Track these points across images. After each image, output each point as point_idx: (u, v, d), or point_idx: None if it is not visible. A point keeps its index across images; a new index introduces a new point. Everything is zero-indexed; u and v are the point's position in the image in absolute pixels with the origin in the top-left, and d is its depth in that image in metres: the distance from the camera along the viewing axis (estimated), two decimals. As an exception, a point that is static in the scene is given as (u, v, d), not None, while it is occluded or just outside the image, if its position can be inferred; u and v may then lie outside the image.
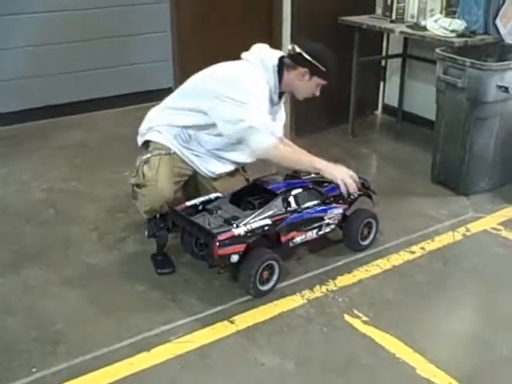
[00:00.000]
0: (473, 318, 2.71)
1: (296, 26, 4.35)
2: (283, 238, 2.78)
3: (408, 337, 2.45)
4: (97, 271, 2.92)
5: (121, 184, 3.77)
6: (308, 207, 2.86)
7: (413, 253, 3.07)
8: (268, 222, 2.70)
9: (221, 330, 2.50)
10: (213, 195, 2.94)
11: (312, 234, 2.90)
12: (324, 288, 2.78)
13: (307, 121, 4.57)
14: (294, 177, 3.07)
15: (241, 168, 3.18)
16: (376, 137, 4.76)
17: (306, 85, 3.02)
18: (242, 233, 2.61)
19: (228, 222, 2.68)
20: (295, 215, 2.80)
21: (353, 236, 3.04)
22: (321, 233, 2.94)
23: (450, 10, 3.95)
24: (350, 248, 3.07)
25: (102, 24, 4.90)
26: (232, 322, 2.54)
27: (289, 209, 2.80)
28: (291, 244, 2.84)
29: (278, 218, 2.74)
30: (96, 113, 5.01)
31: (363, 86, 4.61)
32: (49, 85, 4.83)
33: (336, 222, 2.99)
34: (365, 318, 2.57)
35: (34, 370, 2.28)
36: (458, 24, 3.79)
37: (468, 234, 3.26)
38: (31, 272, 2.90)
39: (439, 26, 3.83)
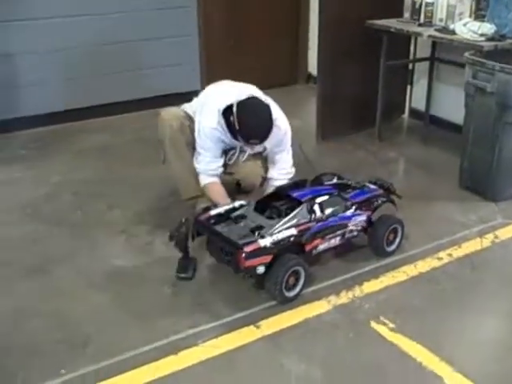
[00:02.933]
0: (501, 326, 2.68)
1: (324, 29, 4.33)
2: (307, 247, 2.78)
3: (435, 345, 2.43)
4: (124, 274, 2.95)
5: (147, 187, 3.80)
6: (332, 214, 2.86)
7: (440, 259, 3.05)
8: (294, 232, 2.70)
9: (247, 334, 2.51)
10: (237, 203, 2.95)
11: (335, 241, 2.89)
12: (350, 294, 2.77)
13: (333, 124, 4.56)
14: (317, 183, 3.07)
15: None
16: (403, 141, 4.73)
17: (239, 137, 3.02)
18: (268, 244, 2.61)
19: (253, 232, 2.68)
20: (320, 224, 2.80)
21: (378, 242, 3.02)
22: (344, 239, 2.93)
23: (479, 14, 3.91)
24: (376, 254, 3.05)
25: (129, 27, 4.95)
26: (258, 327, 2.55)
27: (314, 217, 2.79)
28: (314, 252, 2.83)
29: (303, 227, 2.74)
30: (122, 116, 5.06)
31: (390, 89, 4.58)
32: (75, 88, 4.89)
33: (360, 228, 2.98)
34: (391, 325, 2.55)
35: (62, 371, 2.31)
36: (488, 28, 3.75)
37: (496, 240, 3.23)
38: (59, 274, 2.93)
39: (468, 29, 3.79)
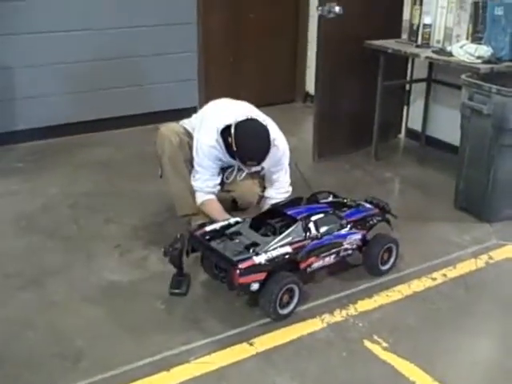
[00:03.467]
0: (495, 348, 2.68)
1: (322, 48, 4.36)
2: (302, 265, 2.78)
3: (428, 365, 2.43)
4: (118, 288, 2.94)
5: (144, 202, 3.81)
6: (327, 233, 2.86)
7: (434, 279, 3.05)
8: (288, 249, 2.71)
9: (240, 351, 2.50)
10: (232, 220, 2.96)
11: (330, 259, 2.90)
12: (344, 312, 2.77)
13: (330, 143, 4.59)
14: (313, 201, 3.08)
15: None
16: (399, 160, 4.75)
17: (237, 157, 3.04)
18: (263, 261, 2.61)
19: (248, 249, 2.68)
20: (315, 242, 2.80)
21: (373, 261, 3.03)
22: (338, 257, 2.93)
23: (476, 36, 3.94)
24: (370, 273, 3.06)
25: (129, 43, 4.98)
26: (251, 344, 2.54)
27: (309, 235, 2.79)
28: (309, 270, 2.83)
29: (298, 245, 2.74)
30: (121, 130, 5.07)
31: (387, 109, 4.61)
32: (74, 102, 4.91)
33: (354, 246, 2.99)
34: (385, 344, 2.55)
35: (54, 385, 2.31)
36: (484, 50, 3.78)
37: (491, 261, 3.23)
38: (53, 287, 2.93)
39: (465, 51, 3.83)
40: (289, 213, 2.90)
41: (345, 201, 3.18)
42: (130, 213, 3.69)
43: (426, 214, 3.77)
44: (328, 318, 2.72)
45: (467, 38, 4.00)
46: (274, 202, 3.19)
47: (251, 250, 2.67)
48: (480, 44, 3.86)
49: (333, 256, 2.89)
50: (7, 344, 2.53)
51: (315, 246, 2.80)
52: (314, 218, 2.86)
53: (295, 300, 2.73)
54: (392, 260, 3.08)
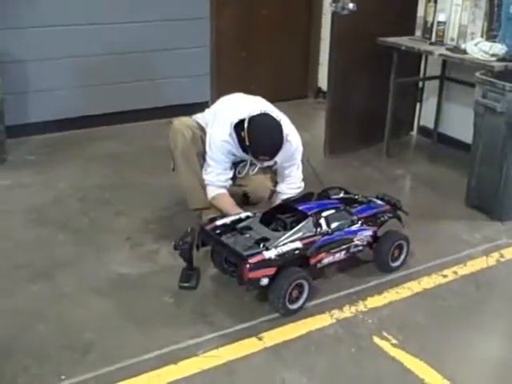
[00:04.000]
0: (505, 346, 2.66)
1: (335, 45, 4.35)
2: (312, 260, 2.77)
3: (438, 362, 2.42)
4: (128, 281, 2.95)
5: (155, 195, 3.81)
6: (338, 229, 2.85)
7: (445, 276, 3.04)
8: (299, 245, 2.70)
9: (248, 346, 2.50)
10: (243, 214, 2.95)
11: (340, 255, 2.89)
12: (353, 308, 2.76)
13: (341, 139, 4.57)
14: (324, 196, 3.07)
15: None
16: (411, 158, 4.73)
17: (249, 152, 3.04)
18: (273, 256, 2.61)
19: (258, 244, 2.68)
20: (325, 237, 2.79)
21: (383, 257, 3.02)
22: (348, 254, 2.92)
23: (490, 34, 3.91)
24: (380, 269, 3.05)
25: (142, 37, 4.98)
26: (260, 339, 2.54)
27: (319, 231, 2.78)
28: (319, 265, 2.82)
29: (308, 240, 2.73)
30: (132, 124, 5.08)
31: (399, 106, 4.59)
32: (87, 95, 4.91)
33: (365, 243, 2.98)
34: (394, 341, 2.54)
35: (62, 377, 2.31)
36: (499, 48, 3.75)
37: (502, 259, 3.21)
38: (63, 280, 2.94)
39: (479, 49, 3.80)
40: (300, 208, 2.89)
41: (356, 197, 3.17)
42: (140, 206, 3.69)
43: (437, 211, 3.75)
44: (337, 314, 2.71)
45: (482, 36, 3.97)
46: (285, 197, 3.18)
47: (261, 245, 2.67)
48: (494, 42, 3.83)
49: (343, 252, 2.88)
50: (16, 335, 2.54)
51: (325, 242, 2.79)
52: (324, 213, 2.85)
53: (304, 295, 2.72)
54: (402, 257, 3.07)
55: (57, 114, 4.80)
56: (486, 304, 2.86)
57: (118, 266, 3.06)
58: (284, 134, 3.01)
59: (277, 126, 3.01)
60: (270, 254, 2.61)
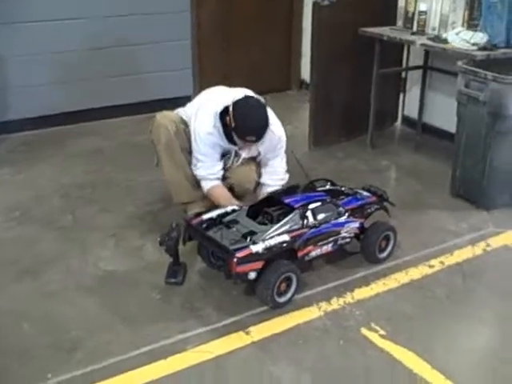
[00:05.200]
0: (492, 335, 2.67)
1: (317, 36, 4.33)
2: (300, 253, 2.76)
3: (426, 352, 2.42)
4: (114, 278, 2.92)
5: (138, 191, 3.78)
6: (325, 221, 2.84)
7: (431, 267, 3.04)
8: (286, 238, 2.69)
9: (237, 340, 2.49)
10: (229, 208, 2.94)
11: (327, 248, 2.88)
12: (341, 300, 2.76)
13: (325, 132, 4.57)
14: (310, 189, 3.06)
15: None
16: (395, 149, 4.73)
17: (235, 137, 3.03)
18: (261, 250, 2.60)
19: (245, 238, 2.67)
20: (312, 230, 2.78)
21: (370, 248, 3.01)
22: (336, 246, 2.92)
23: (471, 23, 3.91)
24: (368, 260, 3.04)
25: (122, 32, 4.94)
26: (248, 333, 2.53)
27: (306, 223, 2.77)
28: (306, 258, 2.82)
29: (296, 233, 2.72)
30: (113, 120, 5.04)
31: (383, 97, 4.59)
32: (66, 92, 4.86)
33: (352, 234, 2.98)
34: (382, 332, 2.54)
35: (49, 375, 2.29)
36: (480, 37, 3.76)
37: (488, 248, 3.22)
38: (49, 278, 2.91)
39: (461, 38, 3.80)
40: (286, 201, 2.88)
41: (342, 189, 3.16)
42: (124, 202, 3.66)
43: (422, 201, 3.76)
44: (325, 306, 2.71)
45: (463, 25, 3.97)
46: (270, 189, 3.18)
47: (248, 239, 2.66)
48: (476, 31, 3.84)
49: (330, 244, 2.88)
50: (2, 335, 2.51)
51: (313, 235, 2.78)
52: (311, 206, 2.84)
53: (293, 288, 2.72)
54: (390, 248, 3.07)
55: (37, 111, 4.75)
56: (473, 293, 2.87)
57: (104, 262, 3.04)
58: (268, 117, 3.01)
59: (261, 107, 3.00)
60: (258, 247, 2.60)
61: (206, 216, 2.87)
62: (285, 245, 2.68)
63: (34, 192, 3.79)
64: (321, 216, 2.84)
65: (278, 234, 2.68)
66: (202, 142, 3.09)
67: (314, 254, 2.83)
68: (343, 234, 2.92)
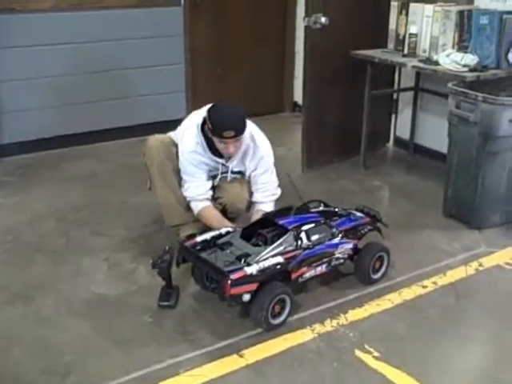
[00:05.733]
0: (486, 355, 2.67)
1: (309, 59, 4.37)
2: (294, 275, 2.76)
3: (420, 374, 2.42)
4: (106, 302, 2.91)
5: (132, 214, 3.78)
6: (319, 242, 2.84)
7: (425, 287, 3.04)
8: (280, 259, 2.68)
9: (230, 363, 2.48)
10: (223, 230, 2.94)
11: (321, 269, 2.88)
12: (335, 322, 2.75)
13: (318, 153, 4.58)
14: (304, 210, 3.07)
15: None
16: (388, 169, 4.75)
17: (215, 141, 3.04)
18: (255, 272, 2.59)
19: (240, 260, 2.67)
20: (307, 251, 2.78)
21: (364, 269, 3.01)
22: (330, 267, 2.92)
23: (462, 45, 3.95)
24: (361, 281, 3.04)
25: (117, 56, 4.97)
26: (241, 356, 2.52)
27: (300, 245, 2.77)
28: (300, 279, 2.81)
29: (289, 255, 2.72)
30: (108, 143, 5.05)
31: (375, 118, 4.62)
32: (62, 115, 4.88)
33: (346, 255, 2.98)
34: (376, 354, 2.53)
35: (41, 401, 2.27)
36: (470, 59, 3.80)
37: (481, 268, 3.23)
38: (41, 302, 2.89)
39: (451, 60, 3.84)
40: (280, 222, 2.88)
41: (336, 210, 3.17)
42: (117, 225, 3.66)
43: (415, 222, 3.77)
44: (319, 328, 2.70)
45: (453, 47, 4.01)
46: (262, 206, 3.19)
47: (242, 261, 2.66)
48: (466, 53, 3.88)
49: (324, 265, 2.88)
50: (-6, 360, 2.50)
51: (307, 256, 2.78)
52: (305, 227, 2.84)
53: (286, 310, 2.71)
54: (383, 269, 3.07)
55: (31, 135, 4.76)
56: (466, 313, 2.87)
57: (97, 286, 3.03)
58: (250, 133, 3.06)
59: (236, 106, 3.05)
60: (252, 269, 2.59)
61: (199, 238, 2.87)
62: (279, 266, 2.68)
63: (29, 215, 3.78)
64: (315, 237, 2.84)
65: (272, 256, 2.68)
66: (186, 162, 3.11)
67: (308, 275, 2.83)
68: (337, 255, 2.92)
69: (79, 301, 2.91)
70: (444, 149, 3.86)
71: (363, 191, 4.22)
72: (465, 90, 3.52)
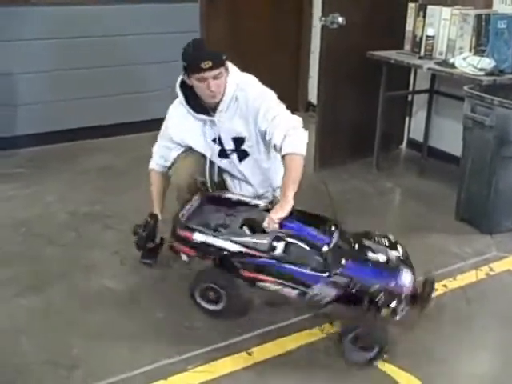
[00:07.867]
0: (495, 361, 2.66)
1: (325, 58, 4.36)
2: (245, 274, 2.54)
3: (429, 378, 2.41)
4: (117, 296, 2.92)
5: (145, 208, 3.77)
6: (294, 263, 2.45)
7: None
8: (232, 248, 2.49)
9: (238, 361, 2.48)
10: (254, 201, 2.86)
11: (290, 292, 2.50)
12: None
13: (331, 153, 4.58)
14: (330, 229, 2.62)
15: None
16: (400, 171, 4.74)
17: (195, 85, 2.93)
18: (199, 241, 2.56)
19: (214, 229, 2.64)
20: (273, 261, 2.47)
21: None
22: (306, 299, 2.51)
23: (479, 49, 3.93)
24: None
25: (132, 50, 5.00)
26: (250, 354, 2.52)
27: (270, 251, 2.48)
28: (260, 284, 2.54)
29: (252, 252, 2.48)
30: (122, 137, 5.07)
31: (389, 120, 4.61)
32: (76, 108, 4.91)
33: (328, 299, 2.51)
34: (385, 356, 2.52)
35: (49, 393, 2.28)
36: (487, 63, 3.78)
37: (491, 273, 3.21)
38: (51, 294, 2.91)
39: (468, 63, 3.82)
40: (284, 223, 2.57)
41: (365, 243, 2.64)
42: (129, 219, 3.64)
43: (426, 224, 3.75)
44: (328, 328, 2.70)
45: (470, 50, 3.99)
46: (291, 149, 2.75)
47: (218, 230, 2.64)
48: (483, 56, 3.86)
49: (295, 292, 2.49)
50: (2, 351, 2.51)
51: (269, 265, 2.47)
52: (291, 240, 2.52)
53: (223, 304, 2.69)
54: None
55: (45, 127, 4.79)
56: (476, 318, 2.85)
57: (107, 280, 3.04)
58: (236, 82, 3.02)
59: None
60: (199, 238, 2.56)
61: (235, 197, 2.90)
62: (225, 252, 2.52)
63: (41, 208, 3.80)
64: (293, 256, 2.48)
65: (232, 241, 2.50)
66: (165, 127, 3.13)
67: (269, 285, 2.52)
68: (316, 292, 2.47)
69: (89, 294, 2.92)
70: (458, 152, 3.84)
71: (375, 193, 4.21)
72: (481, 94, 3.50)
